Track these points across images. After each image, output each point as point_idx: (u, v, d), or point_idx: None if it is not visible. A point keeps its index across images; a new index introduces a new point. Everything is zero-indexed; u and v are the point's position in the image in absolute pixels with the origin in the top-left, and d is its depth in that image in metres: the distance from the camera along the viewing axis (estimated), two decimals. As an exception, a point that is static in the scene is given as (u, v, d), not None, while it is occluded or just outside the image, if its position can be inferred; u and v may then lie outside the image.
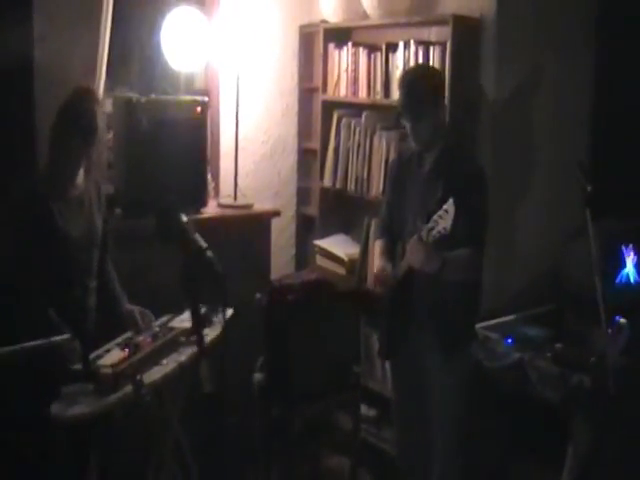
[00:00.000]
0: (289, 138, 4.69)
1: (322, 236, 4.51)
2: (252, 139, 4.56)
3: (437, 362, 3.13)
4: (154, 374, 2.84)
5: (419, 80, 3.03)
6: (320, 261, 4.49)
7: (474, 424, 3.29)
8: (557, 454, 3.22)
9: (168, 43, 4.03)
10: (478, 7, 3.59)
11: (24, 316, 2.92)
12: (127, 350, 2.89)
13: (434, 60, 3.58)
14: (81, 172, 3.06)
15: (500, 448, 3.56)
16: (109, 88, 3.98)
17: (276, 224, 4.52)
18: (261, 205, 4.34)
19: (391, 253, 3.28)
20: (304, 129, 4.64)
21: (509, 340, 3.43)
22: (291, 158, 4.72)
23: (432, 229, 2.77)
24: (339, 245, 4.39)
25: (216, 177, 4.41)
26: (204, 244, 2.64)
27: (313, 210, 4.61)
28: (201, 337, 2.65)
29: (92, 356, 2.82)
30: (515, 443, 3.55)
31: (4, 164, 3.42)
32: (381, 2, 3.76)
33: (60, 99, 3.01)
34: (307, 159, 4.66)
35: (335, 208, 4.49)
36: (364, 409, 4.18)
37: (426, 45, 3.63)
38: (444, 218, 2.72)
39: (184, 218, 2.66)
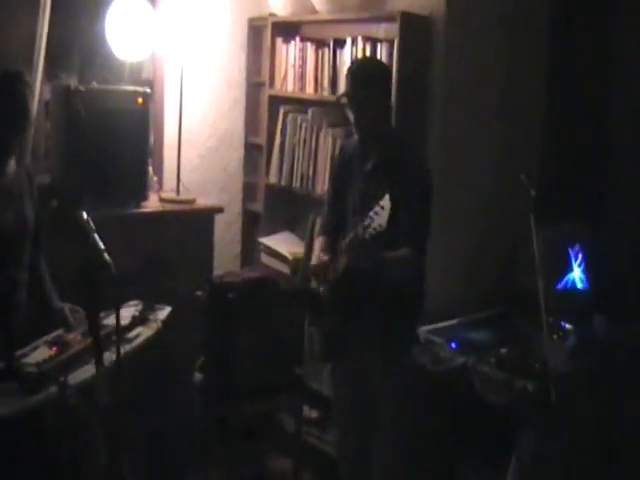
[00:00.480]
0: (236, 132, 4.61)
1: (267, 233, 4.45)
2: (198, 132, 4.49)
3: (376, 364, 3.09)
4: (83, 373, 2.74)
5: (365, 69, 3.02)
6: (265, 259, 4.42)
7: (417, 428, 3.27)
8: (504, 460, 3.20)
9: (112, 32, 3.95)
10: (428, 5, 3.56)
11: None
12: (55, 348, 2.81)
13: (382, 57, 3.55)
14: (12, 161, 2.96)
15: (444, 453, 3.53)
16: (50, 76, 3.90)
17: (222, 220, 4.46)
18: (206, 200, 4.27)
19: (332, 250, 3.23)
20: (251, 124, 4.58)
21: (453, 344, 3.41)
22: (238, 153, 4.65)
23: (368, 226, 2.73)
24: (284, 243, 4.34)
25: (160, 170, 4.34)
26: (101, 246, 2.57)
27: (259, 207, 4.55)
28: (99, 345, 2.53)
29: (19, 353, 2.74)
30: (460, 448, 3.53)
31: None
32: (330, -3, 3.72)
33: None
34: (254, 154, 4.60)
35: (281, 205, 4.43)
36: (307, 411, 4.14)
37: (374, 41, 3.60)
38: (380, 214, 2.68)
39: (84, 216, 2.57)
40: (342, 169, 3.19)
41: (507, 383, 3.11)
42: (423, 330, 3.43)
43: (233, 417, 3.86)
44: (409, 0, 3.61)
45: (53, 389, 2.58)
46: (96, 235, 2.51)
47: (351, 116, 2.98)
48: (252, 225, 4.68)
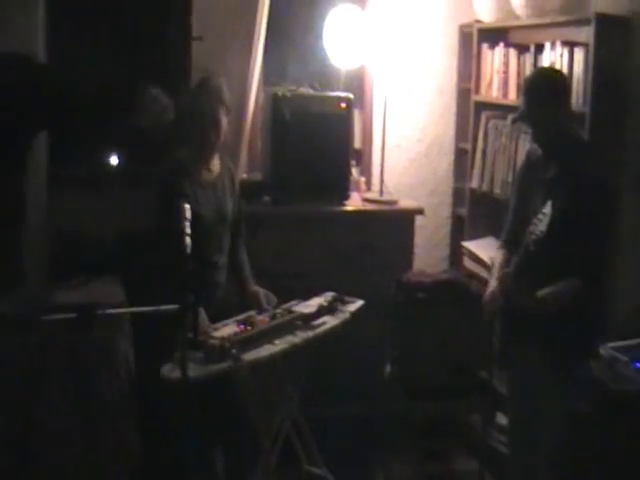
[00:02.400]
0: (446, 138, 4.83)
1: (471, 238, 4.62)
2: (408, 137, 4.76)
3: (547, 378, 3.16)
4: (262, 352, 3.12)
5: (539, 84, 3.08)
6: (467, 263, 4.60)
7: (585, 445, 3.28)
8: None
9: (328, 40, 4.33)
10: (631, 7, 3.55)
11: (156, 281, 3.32)
12: (242, 327, 3.22)
13: (577, 62, 3.58)
14: (216, 160, 3.44)
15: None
16: (267, 83, 4.38)
17: (430, 223, 4.72)
18: (412, 203, 4.53)
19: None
20: (461, 129, 4.76)
21: (638, 364, 3.36)
22: (447, 158, 4.85)
23: (532, 232, 2.85)
24: (485, 248, 4.46)
25: (368, 172, 4.67)
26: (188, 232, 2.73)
27: (466, 211, 4.74)
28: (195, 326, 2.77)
29: (212, 327, 3.18)
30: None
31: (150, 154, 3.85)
32: (529, 1, 3.83)
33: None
34: (463, 160, 4.77)
35: (483, 210, 4.57)
36: (499, 417, 4.23)
37: (572, 46, 3.63)
38: (542, 221, 2.79)
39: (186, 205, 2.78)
40: (527, 174, 3.27)
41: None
42: (607, 346, 3.38)
43: (418, 414, 4.08)
44: (611, 1, 3.62)
45: (229, 362, 2.99)
46: (187, 222, 2.73)
47: (529, 131, 3.09)
48: (460, 229, 4.86)
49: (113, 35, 4.07)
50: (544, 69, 3.61)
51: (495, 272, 3.33)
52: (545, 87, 3.06)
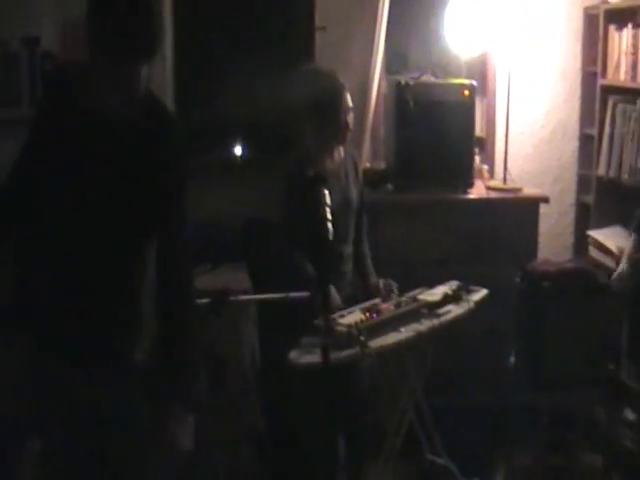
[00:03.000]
0: (570, 123, 4.74)
1: (598, 226, 4.53)
2: (531, 123, 4.70)
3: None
4: (388, 339, 3.16)
5: None
6: (593, 252, 4.50)
7: None
8: None
9: (449, 27, 4.33)
10: None
11: (285, 269, 3.41)
12: (368, 314, 3.27)
13: None
14: (340, 148, 3.50)
15: None
16: (390, 71, 4.42)
17: (553, 211, 4.67)
18: (536, 190, 4.48)
19: None
20: (586, 114, 4.66)
21: None
22: (572, 144, 4.77)
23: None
24: (612, 237, 4.36)
25: (491, 160, 4.64)
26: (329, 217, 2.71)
27: (592, 199, 4.64)
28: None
29: (338, 314, 3.24)
30: None
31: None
32: (661, -20, 3.73)
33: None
34: (589, 146, 4.67)
35: (611, 198, 4.47)
36: (627, 412, 4.15)
37: None
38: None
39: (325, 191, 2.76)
40: None
41: None
42: None
43: (543, 405, 4.05)
44: None
45: (357, 349, 3.04)
46: (328, 208, 2.71)
47: None
48: (585, 217, 4.78)
49: (239, 25, 4.18)
50: None
51: (625, 255, 3.28)
52: None
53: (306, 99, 3.40)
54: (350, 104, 3.43)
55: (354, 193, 3.55)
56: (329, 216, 2.66)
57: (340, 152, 3.51)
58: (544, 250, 4.57)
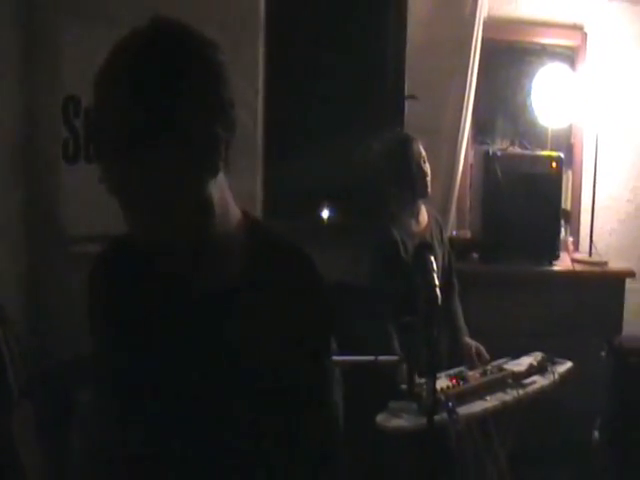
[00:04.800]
0: (657, 198, 4.77)
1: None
2: (617, 197, 4.72)
3: None
4: (475, 407, 3.18)
5: None
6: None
7: None
8: None
9: (538, 99, 4.42)
10: None
11: (373, 332, 3.46)
12: (455, 380, 3.31)
13: None
14: (424, 212, 3.58)
15: None
16: (477, 141, 4.52)
17: (640, 287, 4.66)
18: (622, 264, 4.48)
19: None
20: (673, 190, 4.68)
21: None
22: (659, 219, 4.79)
23: None
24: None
25: (576, 234, 4.67)
26: (436, 283, 2.79)
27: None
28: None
29: (423, 380, 3.27)
30: None
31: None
32: None
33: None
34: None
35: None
36: None
37: None
38: None
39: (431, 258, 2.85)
40: None
41: None
42: None
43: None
44: None
45: (444, 415, 3.07)
46: (435, 274, 2.80)
47: None
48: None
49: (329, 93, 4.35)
50: None
51: None
52: None
53: (386, 162, 3.52)
54: (423, 152, 3.52)
55: (440, 253, 3.60)
56: (437, 282, 2.73)
57: (424, 214, 3.60)
58: (630, 327, 4.51)
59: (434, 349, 2.74)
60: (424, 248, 2.89)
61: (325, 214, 4.24)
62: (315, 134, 4.35)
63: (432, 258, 2.77)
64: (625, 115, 4.65)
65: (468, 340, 3.63)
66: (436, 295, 2.70)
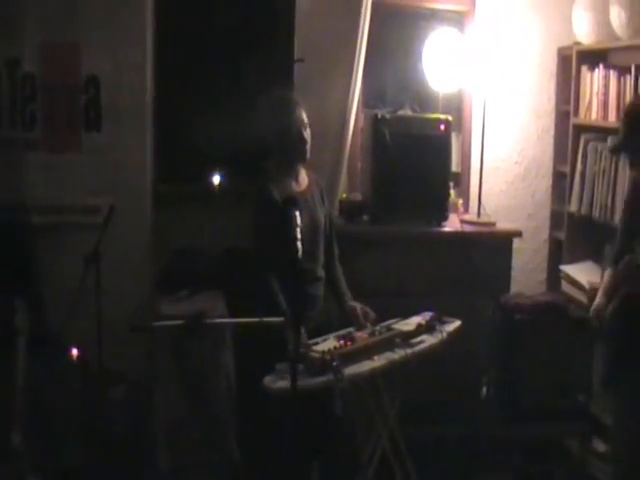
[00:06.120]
0: (544, 160, 4.92)
1: (570, 262, 4.68)
2: (505, 159, 4.87)
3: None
4: (363, 367, 3.23)
5: (639, 112, 3.16)
6: (565, 287, 4.65)
7: None
8: None
9: (428, 63, 4.49)
10: None
11: (260, 297, 3.48)
12: (342, 342, 3.36)
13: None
14: (302, 172, 3.62)
15: None
16: (368, 105, 4.57)
17: (528, 246, 4.82)
18: (509, 225, 4.62)
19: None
20: (560, 152, 4.83)
21: None
22: (546, 181, 4.94)
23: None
24: (584, 272, 4.51)
25: (466, 195, 4.79)
26: (299, 237, 2.88)
27: (564, 235, 4.80)
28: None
29: (312, 341, 3.31)
30: None
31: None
32: (630, 22, 3.90)
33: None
34: (562, 182, 4.83)
35: (582, 234, 4.63)
36: (597, 443, 4.26)
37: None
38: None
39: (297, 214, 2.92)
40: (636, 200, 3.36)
41: None
42: None
43: (516, 436, 4.15)
44: None
45: (330, 376, 3.13)
46: (298, 228, 2.88)
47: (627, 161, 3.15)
48: (558, 253, 4.92)
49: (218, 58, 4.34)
50: None
51: (602, 289, 3.40)
52: None
53: (267, 124, 3.54)
54: (305, 120, 3.53)
55: (321, 215, 3.63)
56: (299, 236, 2.80)
57: (304, 176, 3.63)
58: (518, 284, 4.69)
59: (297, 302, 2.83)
60: (289, 203, 2.94)
61: (216, 179, 4.22)
62: (205, 99, 4.32)
63: (297, 213, 2.83)
64: (513, 79, 4.78)
65: (352, 303, 3.67)
66: (297, 248, 2.78)
